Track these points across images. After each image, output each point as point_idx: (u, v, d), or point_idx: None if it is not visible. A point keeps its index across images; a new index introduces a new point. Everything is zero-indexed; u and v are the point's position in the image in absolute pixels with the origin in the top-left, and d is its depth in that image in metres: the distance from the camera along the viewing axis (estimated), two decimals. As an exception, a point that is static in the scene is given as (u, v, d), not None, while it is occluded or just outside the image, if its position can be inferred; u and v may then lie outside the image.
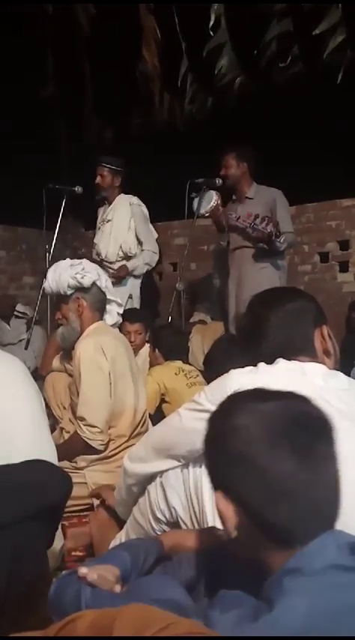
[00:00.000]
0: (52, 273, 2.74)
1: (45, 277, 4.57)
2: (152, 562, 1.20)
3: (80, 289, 2.70)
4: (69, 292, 2.69)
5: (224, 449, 0.97)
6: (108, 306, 2.84)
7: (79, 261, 2.80)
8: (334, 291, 5.74)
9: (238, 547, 0.98)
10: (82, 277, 2.67)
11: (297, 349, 1.52)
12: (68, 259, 2.90)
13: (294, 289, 1.81)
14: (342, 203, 5.81)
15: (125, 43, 5.67)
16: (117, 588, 1.08)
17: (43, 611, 1.50)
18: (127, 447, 2.52)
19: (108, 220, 4.77)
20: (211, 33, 5.18)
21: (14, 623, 1.19)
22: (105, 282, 2.78)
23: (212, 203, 4.48)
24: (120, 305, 2.92)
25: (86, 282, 2.68)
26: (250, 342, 1.60)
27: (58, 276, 2.70)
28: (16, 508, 1.17)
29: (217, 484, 0.99)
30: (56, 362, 3.12)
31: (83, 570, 1.05)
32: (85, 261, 2.82)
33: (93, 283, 2.71)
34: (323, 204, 5.88)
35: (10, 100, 5.37)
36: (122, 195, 4.77)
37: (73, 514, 2.40)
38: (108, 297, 2.81)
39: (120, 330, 3.32)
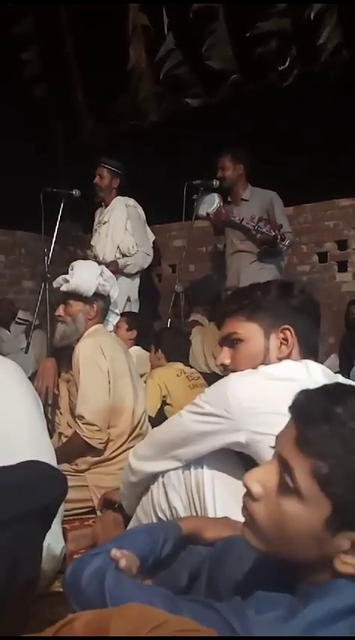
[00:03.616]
0: (82, 272, 2.74)
1: (44, 280, 4.65)
2: (170, 547, 1.19)
3: (99, 295, 2.74)
4: (90, 295, 2.72)
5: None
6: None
7: (102, 267, 2.84)
8: (333, 290, 5.75)
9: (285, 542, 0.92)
10: (105, 285, 2.73)
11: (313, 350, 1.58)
12: (94, 263, 2.93)
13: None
14: (340, 203, 5.82)
15: (116, 41, 5.67)
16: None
17: (40, 612, 1.50)
18: (127, 448, 2.53)
19: (105, 222, 4.78)
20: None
21: (10, 626, 1.19)
22: (116, 293, 2.86)
23: (215, 205, 4.51)
24: (117, 315, 2.99)
25: (106, 290, 2.75)
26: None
27: (86, 276, 2.72)
28: (6, 509, 1.17)
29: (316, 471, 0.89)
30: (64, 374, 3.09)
31: (116, 553, 1.05)
32: (105, 268, 2.86)
33: (108, 292, 2.77)
34: (321, 204, 5.89)
35: (7, 104, 5.39)
36: (118, 197, 4.79)
37: (75, 517, 2.40)
38: (110, 307, 2.87)
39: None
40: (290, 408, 0.95)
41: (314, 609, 0.86)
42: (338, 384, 0.98)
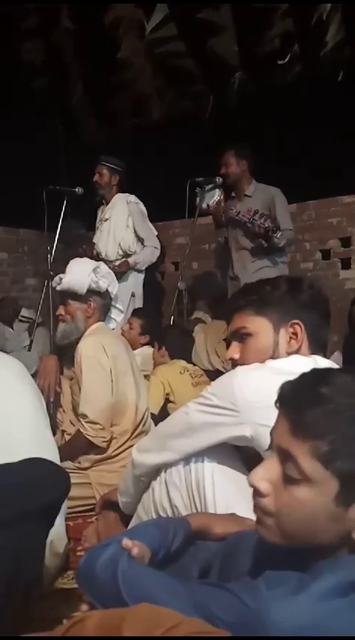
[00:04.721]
0: (74, 271, 2.74)
1: (47, 278, 4.65)
2: (180, 542, 1.19)
3: (95, 292, 2.73)
4: (85, 293, 2.72)
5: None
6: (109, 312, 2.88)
7: (97, 263, 2.83)
8: (336, 288, 5.72)
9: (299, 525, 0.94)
10: (100, 281, 2.72)
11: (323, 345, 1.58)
12: (87, 259, 2.93)
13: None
14: (343, 200, 5.80)
15: (116, 38, 5.64)
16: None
17: (42, 611, 1.50)
18: (130, 446, 2.52)
19: (107, 219, 4.79)
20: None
21: (13, 624, 1.19)
22: (115, 288, 2.83)
23: (215, 198, 4.52)
24: (121, 312, 2.96)
25: (102, 286, 2.73)
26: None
27: (80, 275, 2.71)
28: (9, 507, 1.17)
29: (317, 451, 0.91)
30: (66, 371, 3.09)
31: (128, 542, 1.05)
32: (102, 264, 2.85)
33: (106, 288, 2.75)
34: (324, 201, 5.86)
35: (9, 102, 5.38)
36: (119, 194, 4.79)
37: (78, 514, 2.40)
38: (112, 302, 2.85)
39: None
40: (277, 401, 0.99)
41: (324, 581, 0.88)
42: (314, 369, 1.01)
